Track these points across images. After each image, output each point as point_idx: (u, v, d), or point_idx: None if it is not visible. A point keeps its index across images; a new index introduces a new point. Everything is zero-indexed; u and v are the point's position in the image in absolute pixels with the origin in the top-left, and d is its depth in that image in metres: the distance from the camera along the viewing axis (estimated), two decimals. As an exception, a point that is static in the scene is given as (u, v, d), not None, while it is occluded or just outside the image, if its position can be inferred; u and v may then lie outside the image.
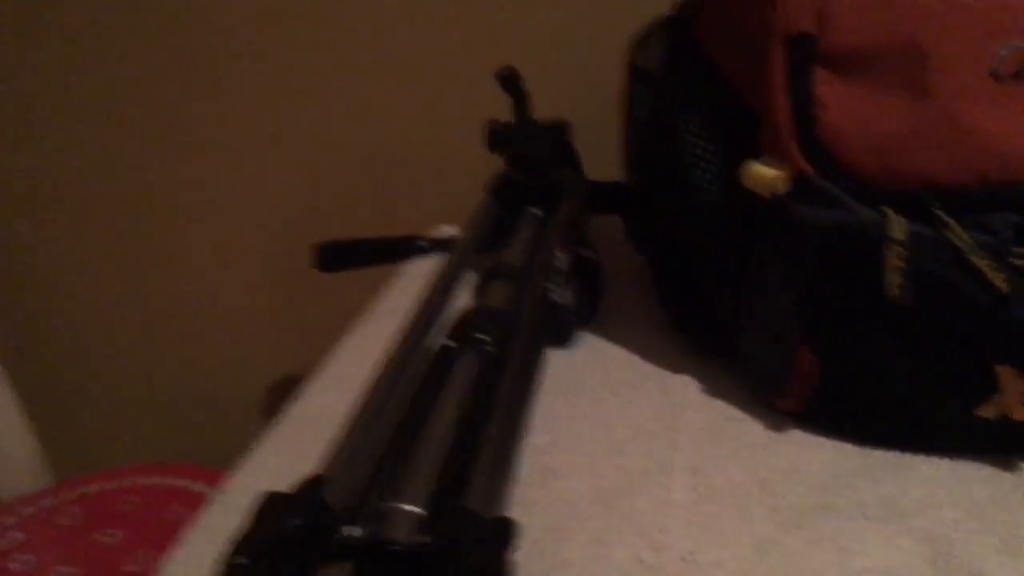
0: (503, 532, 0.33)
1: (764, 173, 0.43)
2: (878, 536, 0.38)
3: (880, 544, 0.38)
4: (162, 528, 0.81)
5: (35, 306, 1.12)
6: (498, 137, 0.69)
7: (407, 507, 0.35)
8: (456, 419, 0.41)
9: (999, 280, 0.37)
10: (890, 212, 0.39)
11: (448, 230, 0.79)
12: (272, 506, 0.33)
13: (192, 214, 1.03)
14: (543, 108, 0.68)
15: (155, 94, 0.97)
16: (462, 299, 0.51)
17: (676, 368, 0.52)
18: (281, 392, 1.10)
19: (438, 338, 0.48)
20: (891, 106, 0.40)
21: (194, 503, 0.83)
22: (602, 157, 0.71)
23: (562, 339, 0.57)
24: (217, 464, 0.88)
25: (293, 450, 0.48)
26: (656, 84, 0.54)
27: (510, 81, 0.65)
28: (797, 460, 0.44)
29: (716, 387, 0.50)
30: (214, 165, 1.00)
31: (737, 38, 0.47)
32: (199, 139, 0.98)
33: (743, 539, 0.39)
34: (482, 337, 0.46)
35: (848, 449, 0.44)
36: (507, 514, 0.34)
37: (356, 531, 0.34)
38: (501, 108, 0.66)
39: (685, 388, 0.51)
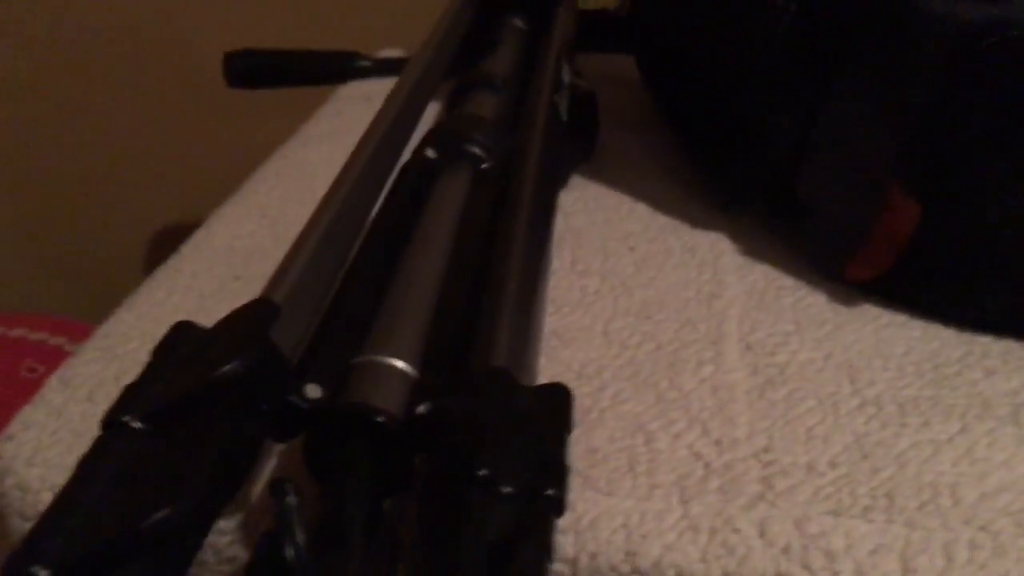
0: (556, 402, 0.21)
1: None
2: (1012, 439, 0.28)
3: (1021, 450, 0.28)
4: (16, 388, 0.66)
5: None
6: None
7: (391, 361, 0.23)
8: (447, 252, 0.29)
9: None
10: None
11: (393, 52, 0.64)
12: (188, 342, 0.20)
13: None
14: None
15: None
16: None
17: (702, 222, 0.41)
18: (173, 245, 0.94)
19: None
20: None
21: (55, 360, 0.68)
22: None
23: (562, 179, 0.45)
24: (87, 320, 0.73)
25: (201, 288, 0.35)
26: None
27: None
28: (880, 341, 0.33)
29: (757, 249, 0.39)
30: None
31: None
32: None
33: (834, 436, 0.28)
34: (471, 147, 0.34)
35: (943, 332, 0.34)
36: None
37: (316, 391, 0.22)
38: None
39: (717, 247, 0.39)
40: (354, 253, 0.29)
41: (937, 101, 0.31)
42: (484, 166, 0.33)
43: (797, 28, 0.36)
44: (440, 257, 0.28)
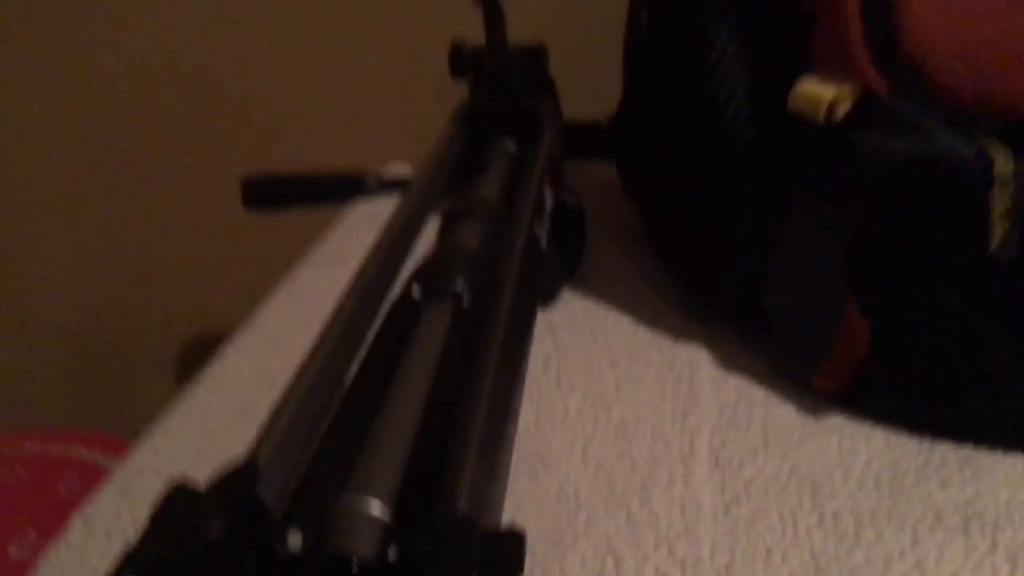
0: (508, 549, 0.23)
1: (819, 92, 0.34)
2: (962, 551, 0.30)
3: (968, 562, 0.29)
4: (53, 506, 0.69)
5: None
6: (464, 59, 0.59)
7: (366, 506, 0.26)
8: (426, 391, 0.32)
9: None
10: (995, 144, 0.30)
11: (401, 168, 0.69)
12: (182, 504, 0.23)
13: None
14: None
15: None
16: (426, 247, 0.42)
17: (681, 336, 0.44)
18: (199, 352, 0.98)
19: (396, 290, 0.38)
20: (991, 4, 0.32)
21: (92, 477, 0.71)
22: (578, 96, 0.62)
23: (546, 297, 0.47)
24: (122, 435, 0.77)
25: (212, 422, 0.38)
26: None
27: (486, -7, 0.55)
28: (843, 453, 0.35)
29: (731, 360, 0.41)
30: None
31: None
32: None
33: (792, 552, 0.30)
34: (455, 284, 0.37)
35: (904, 442, 0.36)
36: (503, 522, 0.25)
37: (297, 538, 0.24)
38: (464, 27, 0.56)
39: (694, 360, 0.42)
40: (342, 394, 0.32)
41: (878, 227, 0.34)
42: (464, 302, 0.36)
43: (753, 155, 0.39)
44: (420, 397, 0.30)
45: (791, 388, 0.39)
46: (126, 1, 0.82)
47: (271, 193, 0.61)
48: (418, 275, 0.37)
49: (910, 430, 0.36)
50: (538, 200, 0.44)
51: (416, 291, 0.37)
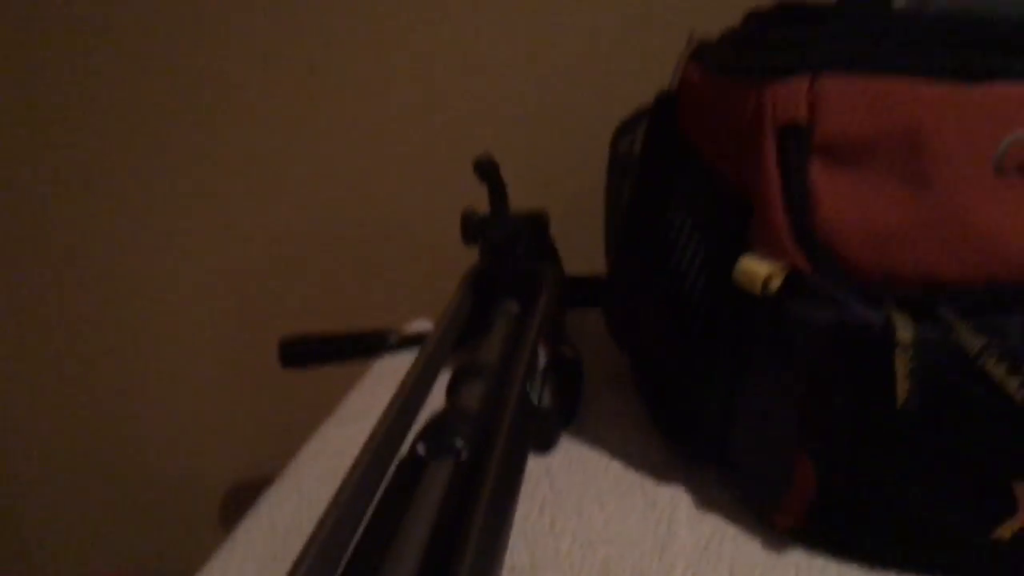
0: None
1: (756, 268, 0.40)
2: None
3: None
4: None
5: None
6: (473, 227, 0.66)
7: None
8: (425, 540, 0.37)
9: (1014, 388, 0.34)
10: (896, 313, 0.36)
11: (423, 324, 0.76)
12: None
13: (142, 304, 0.99)
14: (521, 196, 0.66)
15: (101, 176, 0.94)
16: (436, 400, 0.48)
17: (664, 476, 0.49)
18: (239, 500, 1.04)
19: (407, 444, 0.44)
20: (891, 198, 0.38)
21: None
22: (580, 250, 0.69)
23: (545, 444, 0.53)
24: None
25: (250, 569, 0.43)
26: (639, 171, 0.51)
27: (487, 170, 0.63)
28: (800, 584, 0.40)
29: (708, 499, 0.46)
30: (168, 252, 0.96)
31: (724, 126, 0.45)
32: (149, 223, 0.95)
33: None
34: (455, 442, 0.42)
35: (855, 574, 0.40)
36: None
37: None
38: (480, 195, 0.64)
39: (675, 499, 0.47)
40: (350, 552, 0.37)
41: (814, 385, 0.39)
42: (463, 455, 0.42)
43: (710, 320, 0.45)
44: (417, 549, 0.36)
45: (758, 524, 0.43)
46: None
47: (306, 352, 0.68)
48: (424, 434, 0.43)
49: (861, 563, 0.40)
50: (531, 361, 0.50)
51: (421, 448, 0.42)
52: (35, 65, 0.90)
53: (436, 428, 0.44)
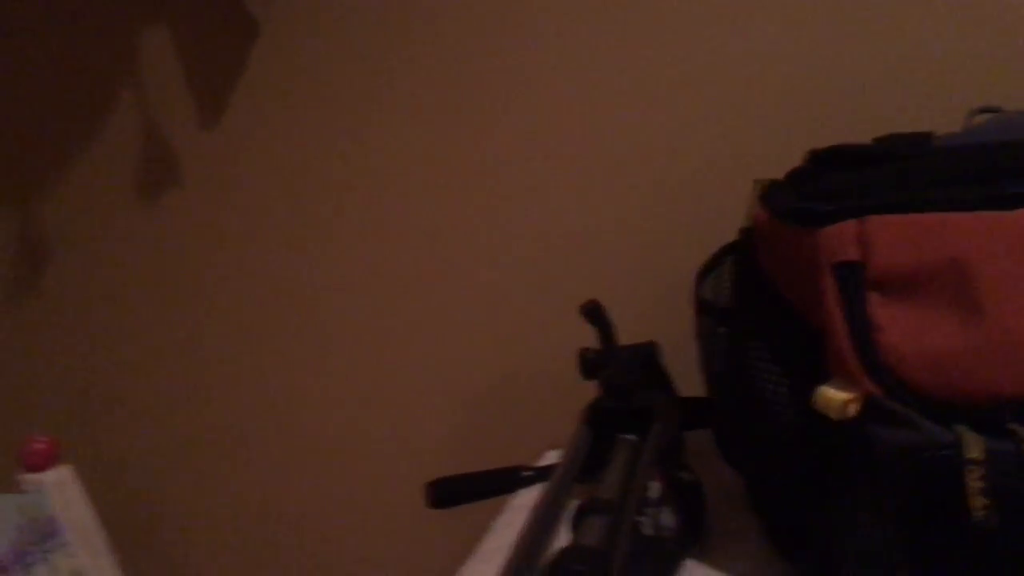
0: None
1: (835, 396, 0.43)
2: None
3: None
4: None
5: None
6: (589, 365, 0.72)
7: None
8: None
9: (1087, 496, 0.36)
10: (965, 430, 0.38)
11: (556, 456, 0.81)
12: None
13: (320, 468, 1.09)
14: (631, 330, 0.71)
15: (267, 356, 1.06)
16: (565, 532, 0.53)
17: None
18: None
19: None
20: (946, 325, 0.41)
21: None
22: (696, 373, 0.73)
23: (667, 572, 0.56)
24: None
25: None
26: (723, 311, 0.56)
27: (594, 314, 0.69)
28: None
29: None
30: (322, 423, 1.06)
31: (792, 265, 0.49)
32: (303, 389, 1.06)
33: None
34: (577, 577, 0.47)
35: None
36: None
37: None
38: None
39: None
40: None
41: (902, 502, 0.41)
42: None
43: (802, 442, 0.48)
44: None
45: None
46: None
47: (451, 493, 0.75)
48: (547, 572, 0.48)
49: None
50: (642, 493, 0.54)
51: (548, 586, 0.47)
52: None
53: (559, 568, 0.49)
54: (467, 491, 0.76)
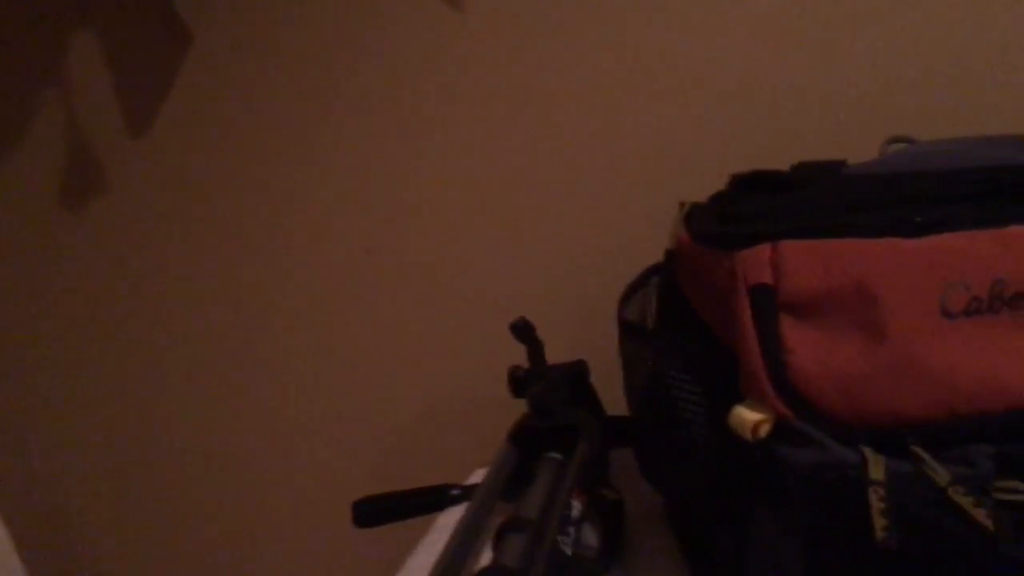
0: None
1: (748, 417, 0.44)
2: None
3: None
4: None
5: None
6: (518, 383, 0.72)
7: None
8: None
9: (982, 516, 0.37)
10: (868, 451, 0.39)
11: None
12: None
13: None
14: (559, 349, 0.71)
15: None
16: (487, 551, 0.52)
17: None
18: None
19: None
20: (852, 348, 0.42)
21: None
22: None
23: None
24: None
25: None
26: (641, 332, 0.56)
27: (524, 332, 0.69)
28: None
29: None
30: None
31: (709, 286, 0.50)
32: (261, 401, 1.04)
33: None
34: (491, 601, 0.47)
35: None
36: None
37: None
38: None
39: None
40: None
41: (808, 522, 0.42)
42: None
43: (717, 462, 0.49)
44: None
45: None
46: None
47: (376, 511, 0.74)
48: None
49: None
50: (563, 514, 0.54)
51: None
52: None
53: (479, 586, 0.48)
54: (393, 510, 0.75)
